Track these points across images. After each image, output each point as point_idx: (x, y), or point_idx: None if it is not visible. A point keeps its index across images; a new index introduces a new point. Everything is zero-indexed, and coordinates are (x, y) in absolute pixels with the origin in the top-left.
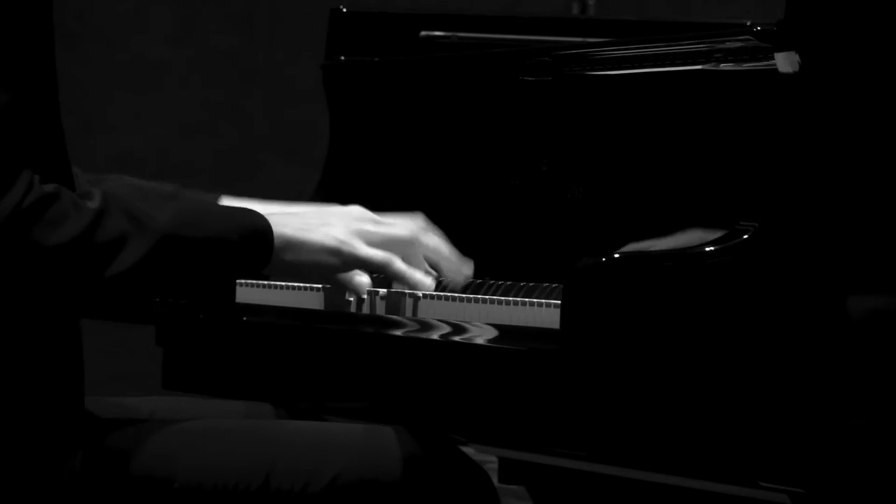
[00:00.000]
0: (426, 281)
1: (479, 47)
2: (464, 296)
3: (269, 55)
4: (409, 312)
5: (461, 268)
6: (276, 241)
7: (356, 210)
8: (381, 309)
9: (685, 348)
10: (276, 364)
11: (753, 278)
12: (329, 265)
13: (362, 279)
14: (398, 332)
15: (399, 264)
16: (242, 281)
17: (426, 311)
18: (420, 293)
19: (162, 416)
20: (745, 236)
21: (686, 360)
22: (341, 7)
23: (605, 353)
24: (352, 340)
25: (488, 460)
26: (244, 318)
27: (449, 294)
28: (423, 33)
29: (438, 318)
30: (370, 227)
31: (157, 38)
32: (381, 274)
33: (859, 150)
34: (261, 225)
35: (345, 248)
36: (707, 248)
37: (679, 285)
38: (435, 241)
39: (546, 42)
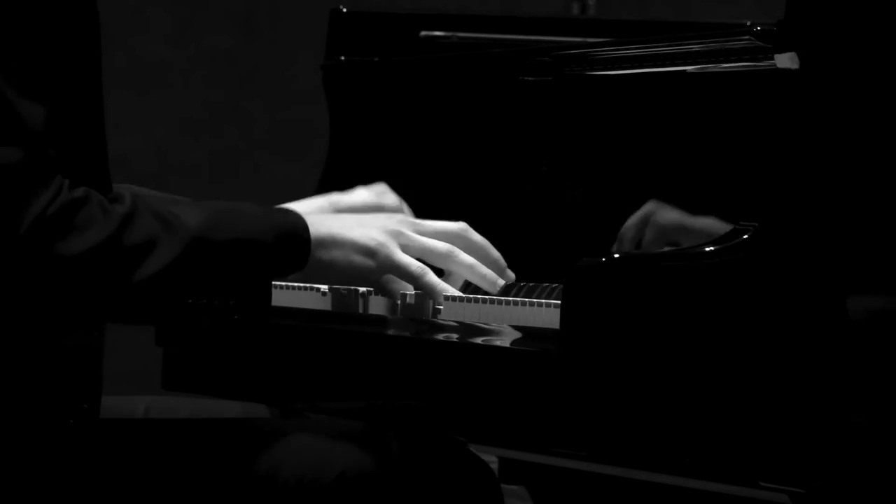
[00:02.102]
0: (458, 295)
1: (479, 47)
2: (463, 296)
3: (269, 55)
4: (408, 313)
5: (502, 274)
6: (312, 239)
7: (398, 215)
8: (380, 310)
9: (685, 348)
10: (280, 365)
11: (753, 278)
12: (364, 267)
13: (398, 286)
14: (398, 333)
15: (430, 277)
16: None
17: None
18: (415, 293)
19: (158, 416)
20: (745, 236)
21: (686, 360)
22: (341, 7)
23: (606, 353)
24: (354, 341)
25: (488, 460)
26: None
27: (449, 294)
28: (423, 33)
29: (437, 319)
30: (409, 232)
31: (157, 38)
32: (412, 283)
33: (859, 150)
34: (296, 224)
35: (382, 250)
36: (707, 248)
37: (679, 285)
38: (479, 244)
39: (546, 42)
